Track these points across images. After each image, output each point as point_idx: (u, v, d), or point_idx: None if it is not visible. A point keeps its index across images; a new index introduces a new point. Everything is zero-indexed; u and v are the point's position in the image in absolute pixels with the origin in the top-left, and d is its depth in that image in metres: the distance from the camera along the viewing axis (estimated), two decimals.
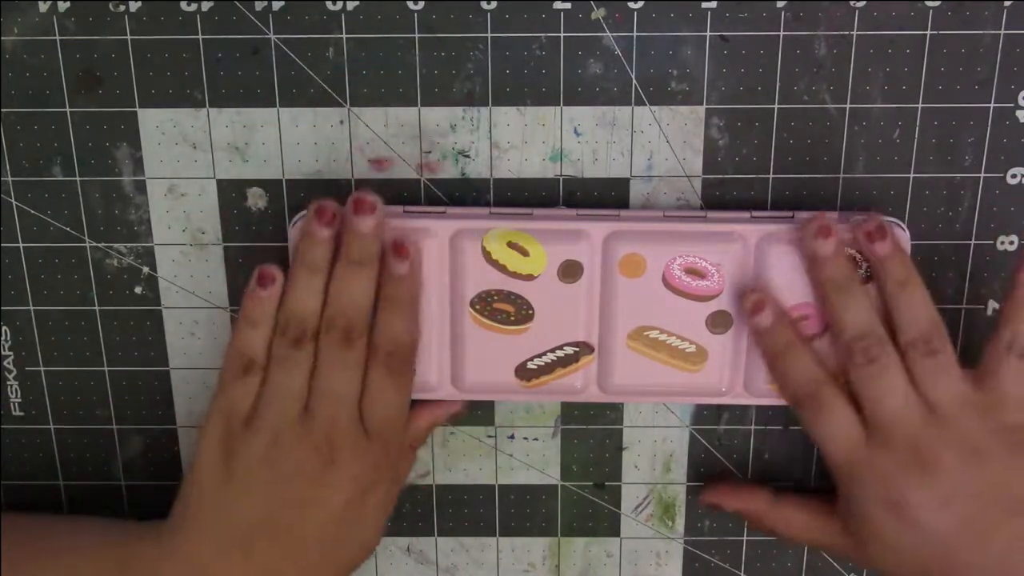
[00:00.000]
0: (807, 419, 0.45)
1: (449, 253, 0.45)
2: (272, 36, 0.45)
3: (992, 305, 0.49)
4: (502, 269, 0.45)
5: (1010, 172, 0.47)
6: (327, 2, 0.45)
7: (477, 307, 0.46)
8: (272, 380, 0.44)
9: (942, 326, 0.44)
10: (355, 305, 0.44)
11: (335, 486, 0.44)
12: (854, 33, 0.45)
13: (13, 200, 0.48)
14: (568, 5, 0.45)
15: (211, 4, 0.45)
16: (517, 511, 0.52)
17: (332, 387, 0.44)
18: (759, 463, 0.51)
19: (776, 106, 0.46)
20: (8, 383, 0.50)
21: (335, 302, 0.44)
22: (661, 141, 0.47)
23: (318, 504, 0.44)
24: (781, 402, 0.47)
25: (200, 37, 0.45)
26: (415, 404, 0.47)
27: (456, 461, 0.51)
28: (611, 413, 0.50)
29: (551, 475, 0.51)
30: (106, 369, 0.50)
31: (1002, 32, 0.45)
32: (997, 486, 0.43)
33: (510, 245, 0.45)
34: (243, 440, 0.44)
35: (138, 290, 0.49)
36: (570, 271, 0.45)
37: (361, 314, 0.44)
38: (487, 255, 0.45)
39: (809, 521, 0.47)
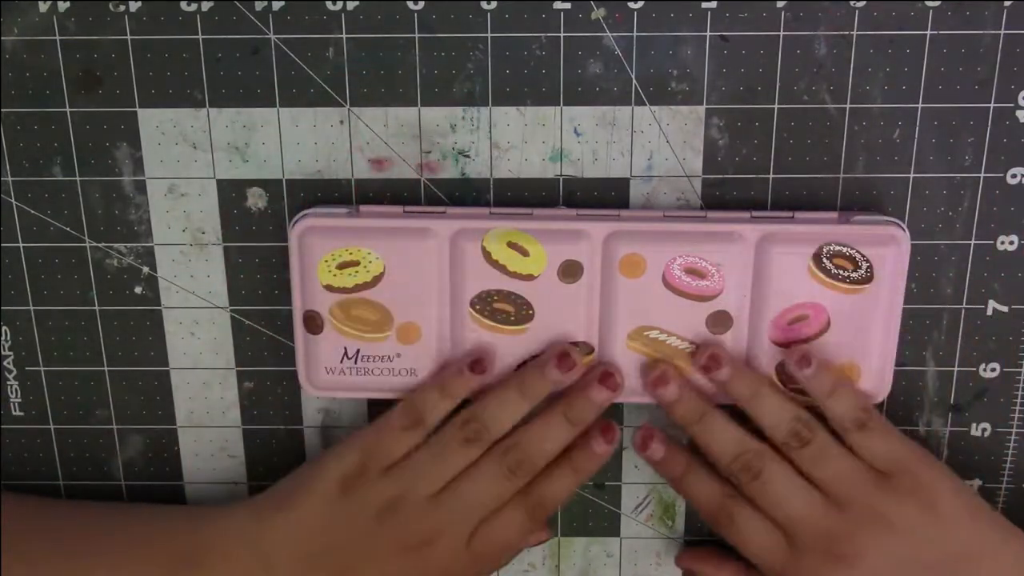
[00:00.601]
0: (724, 535, 0.46)
1: (449, 253, 0.45)
2: (272, 36, 0.45)
3: (992, 305, 0.48)
4: (502, 269, 0.45)
5: (1010, 172, 0.47)
6: (327, 2, 0.45)
7: (477, 307, 0.46)
8: (425, 454, 0.45)
9: (804, 415, 0.45)
10: (544, 452, 0.46)
11: (411, 568, 0.45)
12: (854, 33, 0.45)
13: (13, 200, 0.48)
14: (568, 5, 0.45)
15: (211, 4, 0.45)
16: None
17: (474, 497, 0.45)
18: None
19: (776, 106, 0.46)
20: (8, 383, 0.50)
21: (532, 439, 0.45)
22: (661, 141, 0.47)
23: (388, 572, 0.45)
24: None
25: (200, 37, 0.45)
26: None
27: None
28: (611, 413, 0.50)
29: None
30: (106, 369, 0.50)
31: (1002, 32, 0.45)
32: (924, 549, 0.44)
33: (510, 245, 0.45)
34: (373, 482, 0.45)
35: (138, 290, 0.49)
36: (570, 271, 0.45)
37: (543, 460, 0.46)
38: (487, 255, 0.45)
39: None
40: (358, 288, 0.45)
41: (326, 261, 0.45)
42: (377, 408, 0.50)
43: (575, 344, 0.46)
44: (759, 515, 0.45)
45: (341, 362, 0.47)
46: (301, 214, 0.45)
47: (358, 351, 0.46)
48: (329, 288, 0.46)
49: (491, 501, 0.46)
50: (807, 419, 0.45)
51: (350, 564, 0.45)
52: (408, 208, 0.46)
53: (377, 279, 0.45)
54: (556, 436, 0.45)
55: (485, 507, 0.46)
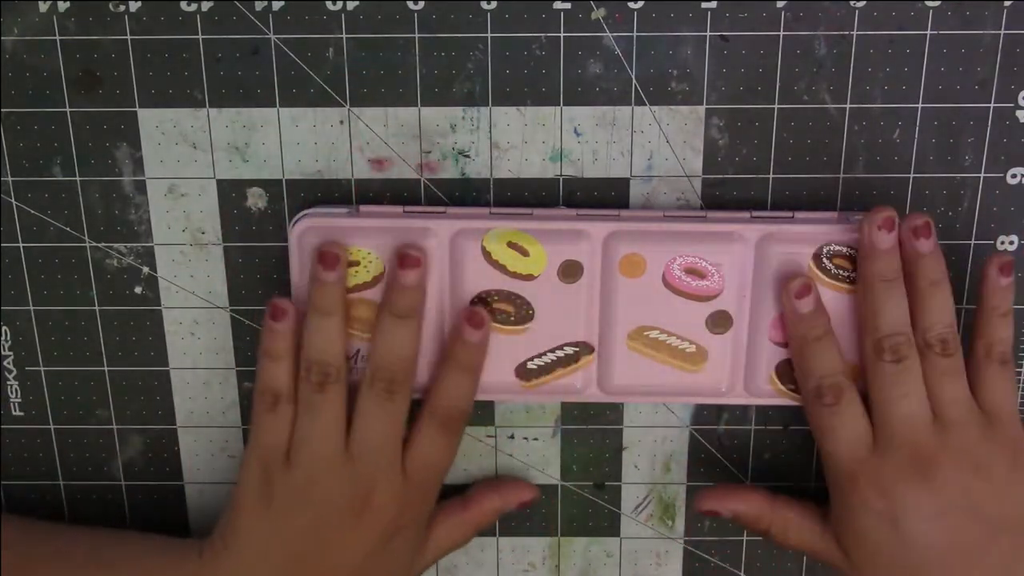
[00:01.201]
0: (821, 412, 0.44)
1: (449, 253, 0.45)
2: (272, 36, 0.45)
3: None
4: (502, 269, 0.45)
5: (1010, 172, 0.47)
6: (327, 2, 0.45)
7: (477, 307, 0.46)
8: (302, 422, 0.45)
9: (957, 335, 0.44)
10: (400, 359, 0.45)
11: (369, 527, 0.45)
12: (854, 33, 0.45)
13: (13, 200, 0.48)
14: (568, 5, 0.45)
15: (211, 4, 0.45)
16: (517, 511, 0.52)
17: (373, 435, 0.45)
18: (759, 463, 0.51)
19: (776, 106, 0.46)
20: (8, 383, 0.50)
21: (380, 354, 0.45)
22: (661, 141, 0.47)
23: (353, 543, 0.45)
24: (781, 402, 0.47)
25: (200, 37, 0.45)
26: (483, 485, 0.50)
27: (456, 461, 0.51)
28: (611, 413, 0.50)
29: (551, 475, 0.51)
30: (106, 369, 0.50)
31: (1002, 32, 0.45)
32: (992, 502, 0.43)
33: (510, 245, 0.45)
34: (282, 475, 0.45)
35: (138, 290, 0.49)
36: (570, 271, 0.45)
37: (405, 365, 0.45)
38: (487, 255, 0.45)
39: (804, 524, 0.47)
40: (358, 288, 0.45)
41: None
42: None
43: (575, 344, 0.46)
44: (863, 409, 0.44)
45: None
46: (301, 214, 0.45)
47: (358, 351, 0.46)
48: None
49: (392, 432, 0.45)
50: (956, 335, 0.44)
51: (316, 564, 0.45)
52: (408, 208, 0.46)
53: (377, 279, 0.45)
54: (402, 338, 0.45)
55: (393, 436, 0.45)
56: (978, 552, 0.43)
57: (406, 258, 0.44)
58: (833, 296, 0.45)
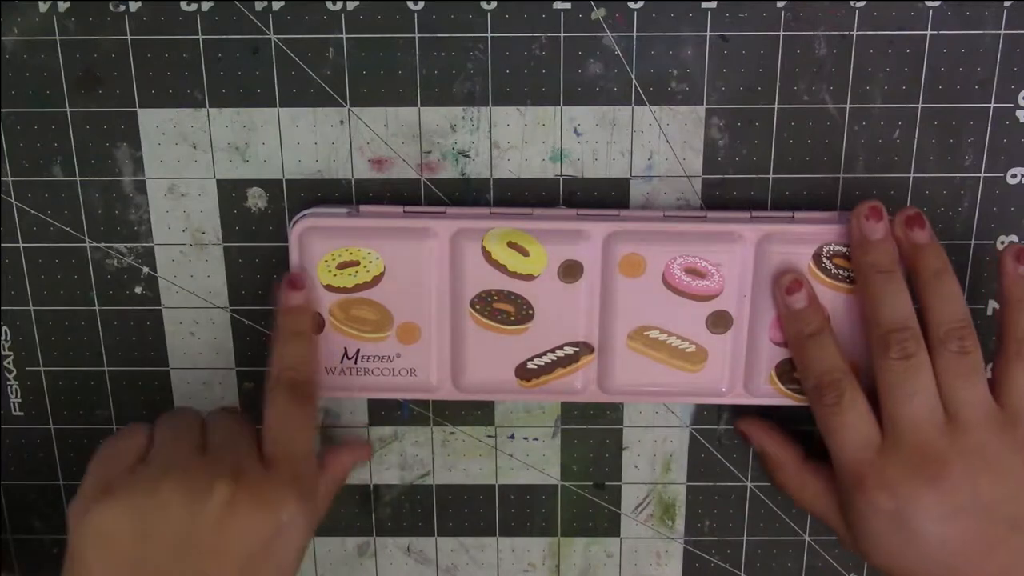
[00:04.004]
0: (824, 409, 0.44)
1: (449, 253, 0.45)
2: (272, 36, 0.45)
3: (993, 305, 0.49)
4: (502, 269, 0.45)
5: (1010, 172, 0.47)
6: (327, 2, 0.45)
7: (477, 307, 0.46)
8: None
9: (972, 324, 0.43)
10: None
11: (245, 515, 0.41)
12: (854, 33, 0.45)
13: (13, 200, 0.48)
14: (568, 5, 0.45)
15: (211, 4, 0.45)
16: (517, 511, 0.52)
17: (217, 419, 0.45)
18: (759, 463, 0.51)
19: (776, 106, 0.46)
20: (8, 383, 0.50)
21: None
22: (661, 141, 0.47)
23: (234, 537, 0.41)
24: (782, 402, 0.47)
25: (200, 37, 0.45)
26: (328, 446, 0.48)
27: (456, 461, 0.51)
28: (611, 413, 0.50)
29: (551, 475, 0.51)
30: (106, 369, 0.50)
31: (1002, 32, 0.45)
32: (1006, 503, 0.42)
33: (510, 245, 0.45)
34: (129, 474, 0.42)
35: (138, 290, 0.49)
36: (570, 271, 0.45)
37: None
38: (487, 255, 0.45)
39: (822, 495, 0.47)
40: (358, 288, 0.45)
41: (326, 261, 0.45)
42: (377, 407, 0.50)
43: (575, 344, 0.46)
44: (868, 405, 0.44)
45: (341, 362, 0.47)
46: (301, 214, 0.45)
47: (358, 351, 0.46)
48: (329, 288, 0.46)
49: (233, 421, 0.45)
50: (973, 329, 0.43)
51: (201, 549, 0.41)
52: (408, 208, 0.46)
53: (377, 279, 0.45)
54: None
55: (237, 425, 0.44)
56: (990, 550, 0.42)
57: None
58: (834, 296, 0.45)
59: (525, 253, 0.45)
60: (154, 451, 0.43)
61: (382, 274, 0.45)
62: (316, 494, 0.45)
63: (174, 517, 0.40)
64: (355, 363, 0.47)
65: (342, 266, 0.45)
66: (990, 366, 0.45)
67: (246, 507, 0.41)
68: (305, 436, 0.44)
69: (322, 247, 0.45)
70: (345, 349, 0.47)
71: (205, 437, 0.44)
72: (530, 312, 0.46)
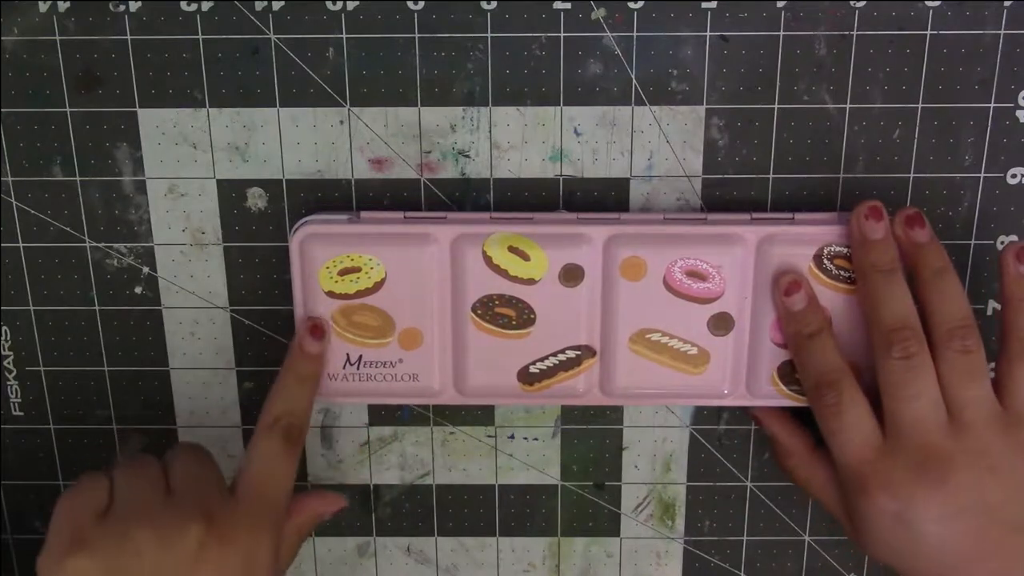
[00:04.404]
0: (824, 410, 0.44)
1: (450, 258, 0.45)
2: (272, 36, 0.45)
3: (992, 305, 0.49)
4: (503, 274, 0.45)
5: (1010, 172, 0.47)
6: (327, 2, 0.45)
7: (479, 312, 0.46)
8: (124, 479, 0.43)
9: (975, 322, 0.43)
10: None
11: (218, 555, 0.41)
12: (854, 33, 0.45)
13: (13, 200, 0.47)
14: (568, 5, 0.45)
15: (211, 4, 0.45)
16: (517, 511, 0.52)
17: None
18: (759, 463, 0.51)
19: (776, 106, 0.46)
20: (8, 383, 0.50)
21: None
22: (661, 141, 0.47)
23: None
24: (783, 403, 0.47)
25: (200, 37, 0.45)
26: (297, 494, 0.47)
27: (456, 461, 0.51)
28: (611, 413, 0.50)
29: (551, 475, 0.51)
30: (106, 369, 0.50)
31: (1002, 32, 0.45)
32: (1007, 502, 0.42)
33: (511, 250, 0.45)
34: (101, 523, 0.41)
35: (138, 290, 0.49)
36: (571, 275, 0.45)
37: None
38: (488, 260, 0.45)
39: (829, 485, 0.46)
40: (360, 294, 0.45)
41: (327, 268, 0.45)
42: (377, 408, 0.50)
43: (577, 347, 0.46)
44: (869, 405, 0.43)
45: (344, 368, 0.47)
46: (301, 221, 0.45)
47: (360, 357, 0.46)
48: (331, 294, 0.46)
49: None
50: (975, 328, 0.42)
51: None
52: (409, 214, 0.45)
53: (379, 285, 0.45)
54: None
55: (200, 465, 0.43)
56: (992, 550, 0.42)
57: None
58: (835, 297, 0.45)
59: (526, 257, 0.45)
60: (118, 499, 0.42)
61: (383, 280, 0.45)
62: (282, 537, 0.44)
63: (148, 563, 0.40)
64: (357, 369, 0.47)
65: (343, 272, 0.45)
66: (991, 365, 0.45)
67: (219, 546, 0.41)
68: (286, 482, 0.44)
69: (323, 254, 0.45)
70: (347, 355, 0.47)
71: (168, 478, 0.43)
72: (531, 316, 0.46)
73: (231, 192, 0.47)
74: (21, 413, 0.51)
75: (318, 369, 0.46)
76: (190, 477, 0.43)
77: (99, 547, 0.40)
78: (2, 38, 0.45)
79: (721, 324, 0.46)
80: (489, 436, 0.51)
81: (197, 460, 0.44)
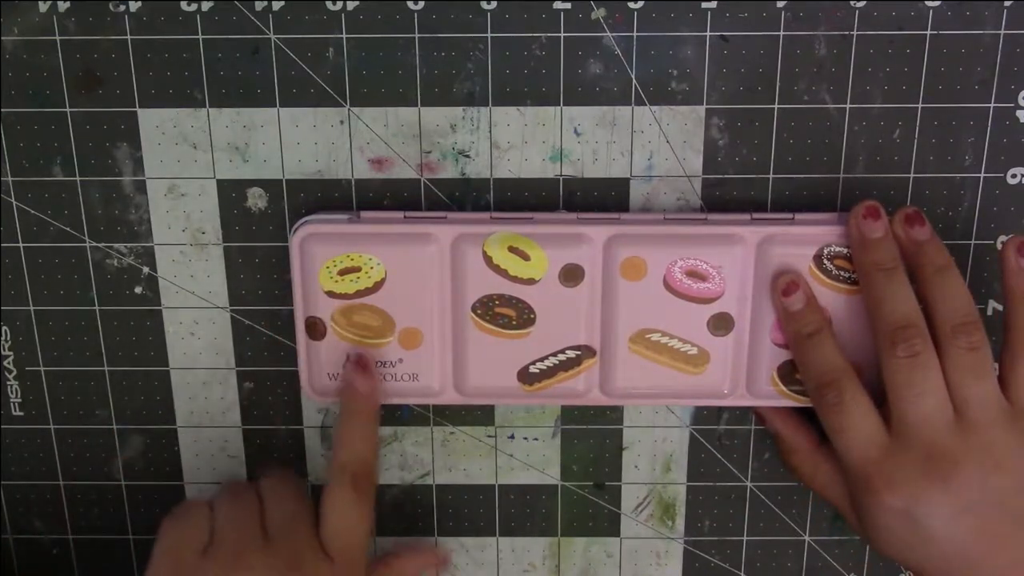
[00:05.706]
0: (827, 409, 0.44)
1: (450, 258, 0.45)
2: (272, 36, 0.45)
3: (993, 305, 0.49)
4: (503, 274, 0.45)
5: (1010, 172, 0.47)
6: (327, 2, 0.45)
7: (479, 312, 0.46)
8: (226, 513, 0.44)
9: (979, 318, 0.43)
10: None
11: None
12: (854, 33, 0.45)
13: (13, 200, 0.47)
14: (568, 5, 0.45)
15: (211, 4, 0.45)
16: (517, 511, 0.52)
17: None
18: (759, 463, 0.51)
19: (776, 106, 0.46)
20: (8, 383, 0.50)
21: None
22: (661, 141, 0.47)
23: None
24: (784, 403, 0.47)
25: (200, 37, 0.45)
26: (399, 550, 0.48)
27: (456, 461, 0.51)
28: (611, 413, 0.50)
29: (551, 475, 0.51)
30: (106, 369, 0.50)
31: (1002, 32, 0.45)
32: (1014, 497, 0.42)
33: (511, 250, 0.45)
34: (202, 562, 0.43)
35: (138, 290, 0.49)
36: (571, 275, 0.45)
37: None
38: (488, 260, 0.45)
39: (834, 480, 0.46)
40: (360, 294, 0.45)
41: (327, 267, 0.45)
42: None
43: (577, 348, 0.46)
44: (872, 403, 0.43)
45: (344, 368, 0.47)
46: (301, 221, 0.45)
47: (362, 356, 0.46)
48: (331, 294, 0.46)
49: (292, 499, 0.45)
50: (980, 324, 0.42)
51: None
52: (409, 213, 0.45)
53: (379, 285, 0.45)
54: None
55: (296, 504, 0.45)
56: (1000, 544, 0.42)
57: (360, 364, 0.46)
58: (834, 298, 0.45)
59: (526, 257, 0.45)
60: (218, 538, 0.43)
61: (383, 280, 0.45)
62: None
63: None
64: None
65: (343, 272, 0.45)
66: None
67: None
68: (363, 530, 0.45)
69: (323, 253, 0.45)
70: (347, 355, 0.47)
71: (264, 513, 0.44)
72: (531, 316, 0.46)
73: (231, 192, 0.47)
74: (21, 413, 0.51)
75: (374, 404, 0.46)
76: (287, 518, 0.44)
77: None
78: (2, 38, 0.45)
79: (721, 324, 0.46)
80: (489, 436, 0.51)
81: (293, 497, 0.45)
